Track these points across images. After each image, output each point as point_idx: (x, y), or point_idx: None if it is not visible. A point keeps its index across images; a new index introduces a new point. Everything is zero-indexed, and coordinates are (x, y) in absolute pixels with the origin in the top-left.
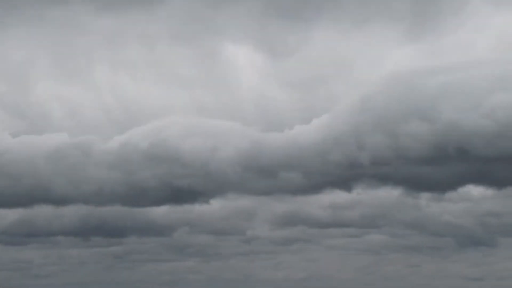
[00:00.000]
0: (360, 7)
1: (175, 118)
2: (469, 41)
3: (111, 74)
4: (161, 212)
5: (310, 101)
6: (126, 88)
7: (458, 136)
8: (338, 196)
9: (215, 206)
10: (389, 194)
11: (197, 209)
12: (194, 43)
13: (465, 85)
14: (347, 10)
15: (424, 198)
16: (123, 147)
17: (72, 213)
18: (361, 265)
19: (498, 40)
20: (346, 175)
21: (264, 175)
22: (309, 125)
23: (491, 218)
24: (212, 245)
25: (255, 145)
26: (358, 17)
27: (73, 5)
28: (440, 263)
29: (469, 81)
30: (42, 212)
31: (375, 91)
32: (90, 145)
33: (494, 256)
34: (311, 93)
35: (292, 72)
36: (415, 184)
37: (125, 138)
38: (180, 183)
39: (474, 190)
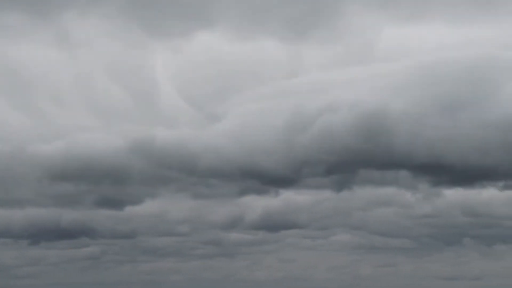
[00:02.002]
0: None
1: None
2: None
3: None
4: (103, 216)
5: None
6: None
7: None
8: (268, 200)
9: (153, 209)
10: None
11: (138, 212)
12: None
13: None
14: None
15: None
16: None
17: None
18: (337, 265)
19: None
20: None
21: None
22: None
23: (428, 219)
24: (180, 246)
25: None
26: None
27: None
28: (407, 264)
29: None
30: None
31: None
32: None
33: (466, 256)
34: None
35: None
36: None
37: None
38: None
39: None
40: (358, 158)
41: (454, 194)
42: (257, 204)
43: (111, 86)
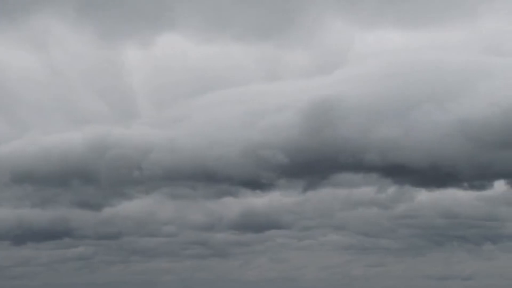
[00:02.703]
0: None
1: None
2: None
3: None
4: (82, 216)
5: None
6: None
7: None
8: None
9: (131, 210)
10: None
11: (116, 213)
12: None
13: None
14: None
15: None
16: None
17: None
18: (328, 265)
19: None
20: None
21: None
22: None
23: (407, 219)
24: (168, 247)
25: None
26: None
27: None
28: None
29: None
30: None
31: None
32: None
33: (456, 257)
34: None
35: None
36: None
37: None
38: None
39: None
40: (328, 159)
41: (429, 195)
42: (234, 206)
43: (77, 86)
